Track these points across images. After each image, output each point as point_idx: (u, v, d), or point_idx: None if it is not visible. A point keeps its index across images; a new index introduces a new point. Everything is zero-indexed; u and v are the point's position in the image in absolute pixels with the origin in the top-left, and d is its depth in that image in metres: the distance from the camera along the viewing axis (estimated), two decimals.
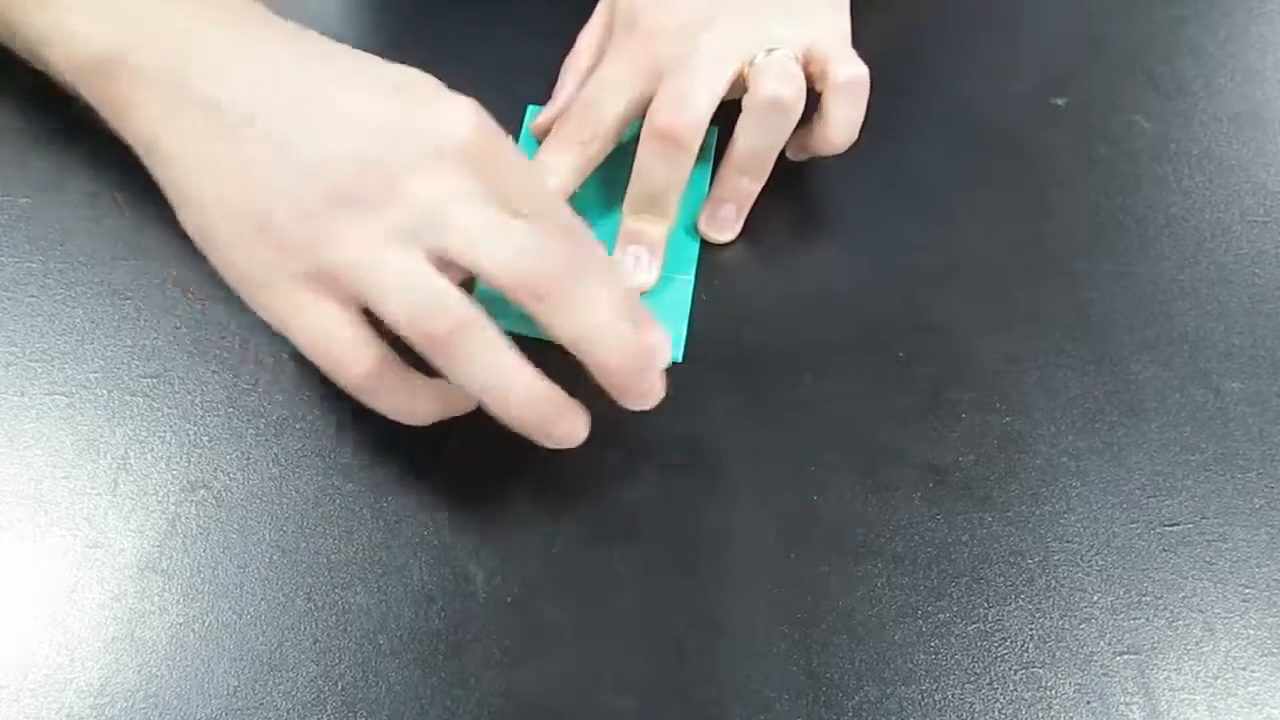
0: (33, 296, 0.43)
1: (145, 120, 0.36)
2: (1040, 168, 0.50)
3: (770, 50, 0.43)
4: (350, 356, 0.35)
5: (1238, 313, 0.46)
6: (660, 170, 0.43)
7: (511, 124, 0.47)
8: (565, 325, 0.35)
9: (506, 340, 0.35)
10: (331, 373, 0.35)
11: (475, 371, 0.35)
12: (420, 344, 0.34)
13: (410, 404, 0.37)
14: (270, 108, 0.35)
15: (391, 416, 0.37)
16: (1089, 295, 0.46)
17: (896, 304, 0.45)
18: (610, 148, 0.44)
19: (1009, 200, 0.48)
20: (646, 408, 0.38)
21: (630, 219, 0.45)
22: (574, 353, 0.36)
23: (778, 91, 0.42)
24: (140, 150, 0.37)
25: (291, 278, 0.34)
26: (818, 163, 0.46)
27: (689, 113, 0.42)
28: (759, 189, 0.45)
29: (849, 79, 0.43)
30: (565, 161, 0.44)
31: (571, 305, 0.35)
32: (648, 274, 0.44)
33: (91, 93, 0.37)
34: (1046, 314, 0.45)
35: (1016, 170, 0.49)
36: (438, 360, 0.34)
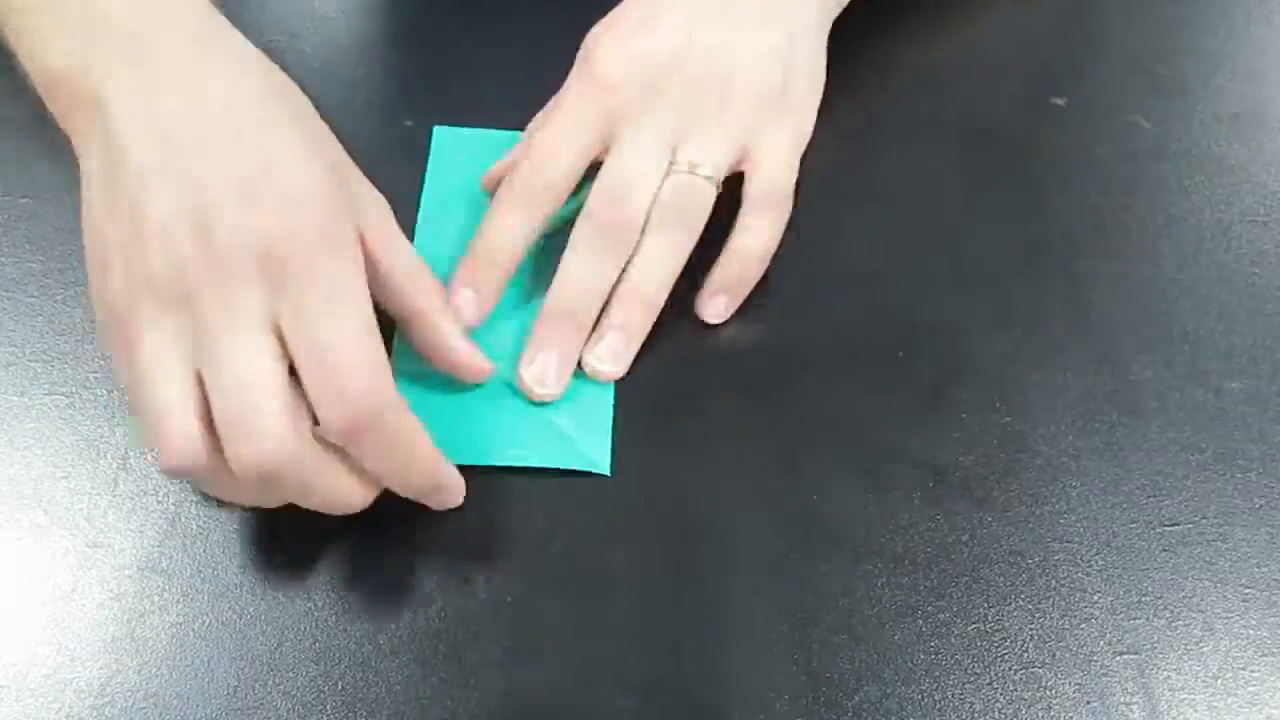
0: (33, 297, 0.43)
1: (76, 137, 0.36)
2: (1040, 168, 0.50)
3: (694, 168, 0.42)
4: (174, 447, 0.34)
5: (1238, 313, 0.46)
6: (592, 262, 0.42)
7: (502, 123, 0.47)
8: (366, 457, 0.35)
9: (333, 460, 0.35)
10: (153, 444, 0.34)
11: (303, 493, 0.35)
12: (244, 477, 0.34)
13: (232, 493, 0.37)
14: (161, 143, 0.34)
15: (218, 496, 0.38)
16: (1089, 295, 0.46)
17: (896, 304, 0.45)
18: (559, 206, 0.43)
19: (1009, 200, 0.48)
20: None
21: (551, 319, 0.42)
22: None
23: (679, 218, 0.42)
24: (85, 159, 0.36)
25: (120, 344, 0.34)
26: (817, 163, 0.46)
27: (627, 207, 0.42)
28: (651, 321, 0.43)
29: (764, 192, 0.44)
30: (514, 224, 0.42)
31: (371, 445, 0.35)
32: (556, 388, 0.42)
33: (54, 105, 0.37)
34: (1046, 314, 0.45)
35: (1016, 170, 0.49)
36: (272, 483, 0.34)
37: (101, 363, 0.41)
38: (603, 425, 0.41)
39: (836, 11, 0.47)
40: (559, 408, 0.42)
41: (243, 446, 0.33)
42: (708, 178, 0.43)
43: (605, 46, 0.43)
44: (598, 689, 0.37)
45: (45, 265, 0.43)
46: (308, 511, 0.37)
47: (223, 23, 0.37)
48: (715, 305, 0.44)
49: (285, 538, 0.39)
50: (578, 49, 0.44)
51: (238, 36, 0.37)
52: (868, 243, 0.46)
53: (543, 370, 0.41)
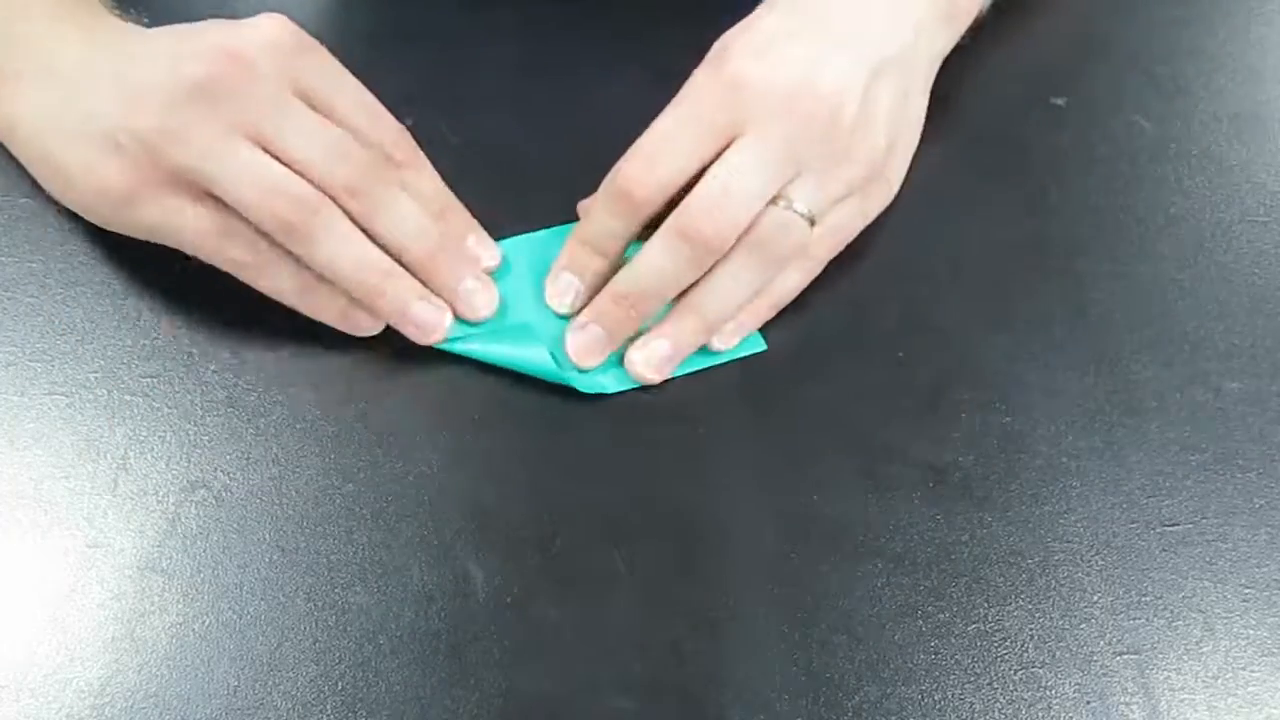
0: (33, 297, 0.43)
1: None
2: (1040, 168, 0.49)
3: (792, 204, 0.41)
4: (229, 241, 0.39)
5: (1238, 313, 0.46)
6: (665, 265, 0.41)
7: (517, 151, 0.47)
8: (376, 223, 0.40)
9: (350, 224, 0.39)
10: (216, 260, 0.40)
11: (336, 255, 0.39)
12: (270, 227, 0.38)
13: (282, 281, 0.40)
14: (101, 59, 0.40)
15: (272, 294, 0.41)
16: (1089, 295, 0.46)
17: (896, 304, 0.45)
18: (659, 209, 0.41)
19: (1009, 200, 0.48)
20: (475, 316, 0.42)
21: (610, 297, 0.42)
22: (390, 249, 0.40)
23: (766, 255, 0.41)
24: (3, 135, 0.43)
25: (157, 188, 0.39)
26: None
27: (723, 222, 0.40)
28: (702, 342, 0.43)
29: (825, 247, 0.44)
30: (611, 228, 0.42)
31: (379, 208, 0.40)
32: (595, 362, 0.42)
33: None
34: (1046, 314, 0.45)
35: (1016, 170, 0.49)
36: (292, 245, 0.39)
37: (102, 362, 0.42)
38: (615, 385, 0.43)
39: (941, 59, 0.48)
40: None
41: (349, 175, 0.39)
42: (808, 221, 0.42)
43: (744, 47, 0.42)
44: (598, 689, 0.37)
45: (45, 265, 0.43)
46: (308, 511, 0.37)
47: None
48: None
49: (286, 538, 0.39)
50: (579, 48, 0.44)
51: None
52: (868, 242, 0.46)
53: (589, 342, 0.42)
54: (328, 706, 0.36)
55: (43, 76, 0.40)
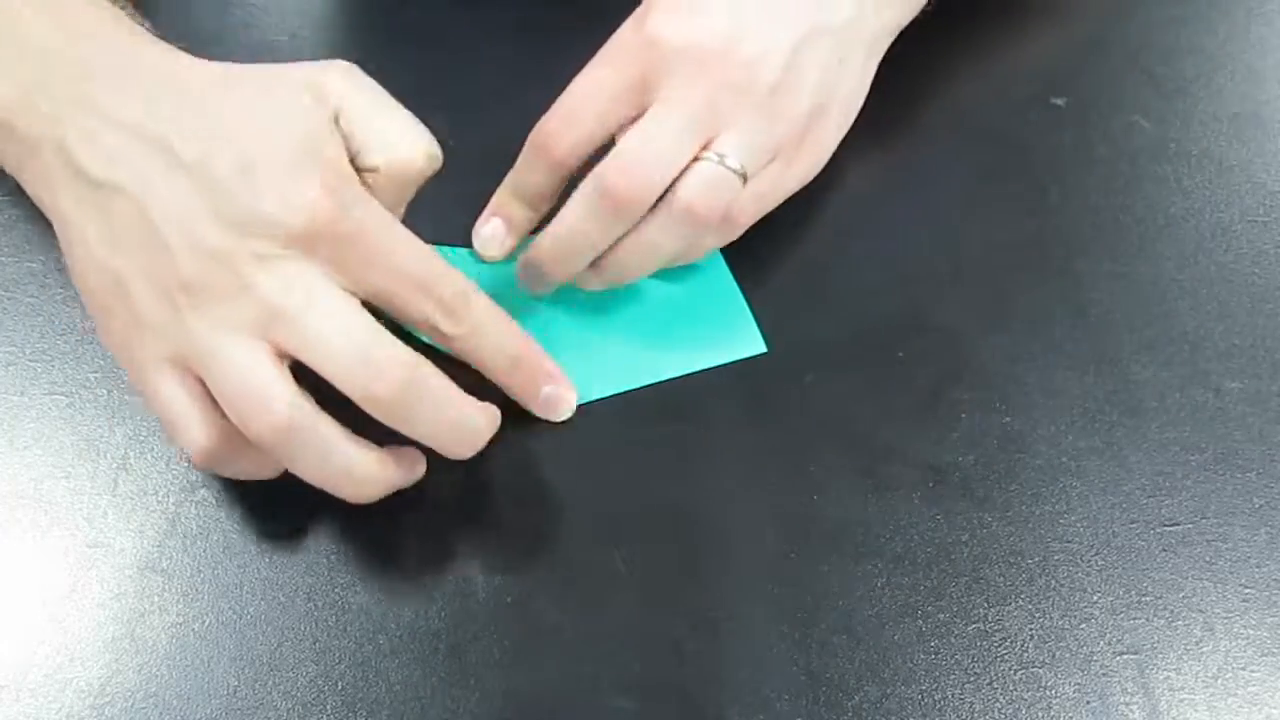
0: (33, 297, 0.43)
1: (35, 184, 0.37)
2: (1040, 168, 0.49)
3: (722, 157, 0.40)
4: (189, 434, 0.35)
5: (1238, 313, 0.46)
6: (587, 226, 0.40)
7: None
8: (405, 428, 0.35)
9: (339, 431, 0.35)
10: (177, 442, 0.36)
11: (309, 465, 0.35)
12: (253, 439, 0.34)
13: (258, 470, 0.37)
14: (134, 181, 0.34)
15: (239, 477, 0.38)
16: (1089, 295, 0.46)
17: (896, 304, 0.45)
18: (579, 164, 0.41)
19: (1009, 200, 0.48)
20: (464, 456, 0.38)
21: (523, 269, 0.42)
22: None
23: (698, 207, 0.40)
24: (49, 211, 0.37)
25: (154, 355, 0.35)
26: None
27: (640, 181, 0.39)
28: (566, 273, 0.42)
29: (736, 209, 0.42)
30: (533, 181, 0.42)
31: (409, 415, 0.35)
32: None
33: None
34: (1046, 314, 0.45)
35: (1016, 170, 0.49)
36: (272, 453, 0.35)
37: (101, 362, 0.41)
38: (738, 307, 0.44)
39: (894, 33, 0.46)
40: (687, 310, 0.44)
41: (374, 384, 0.34)
42: (740, 176, 0.40)
43: (663, 10, 0.41)
44: (598, 689, 0.37)
45: (45, 265, 0.43)
46: (308, 511, 0.37)
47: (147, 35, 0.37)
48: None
49: (285, 538, 0.39)
50: (578, 49, 0.44)
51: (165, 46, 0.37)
52: (868, 242, 0.46)
53: (529, 279, 0.43)
54: (328, 706, 0.36)
55: (74, 172, 0.35)
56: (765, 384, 0.43)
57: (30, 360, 0.41)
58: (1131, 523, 0.41)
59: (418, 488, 0.40)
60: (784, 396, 0.43)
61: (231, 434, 0.35)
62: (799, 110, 0.42)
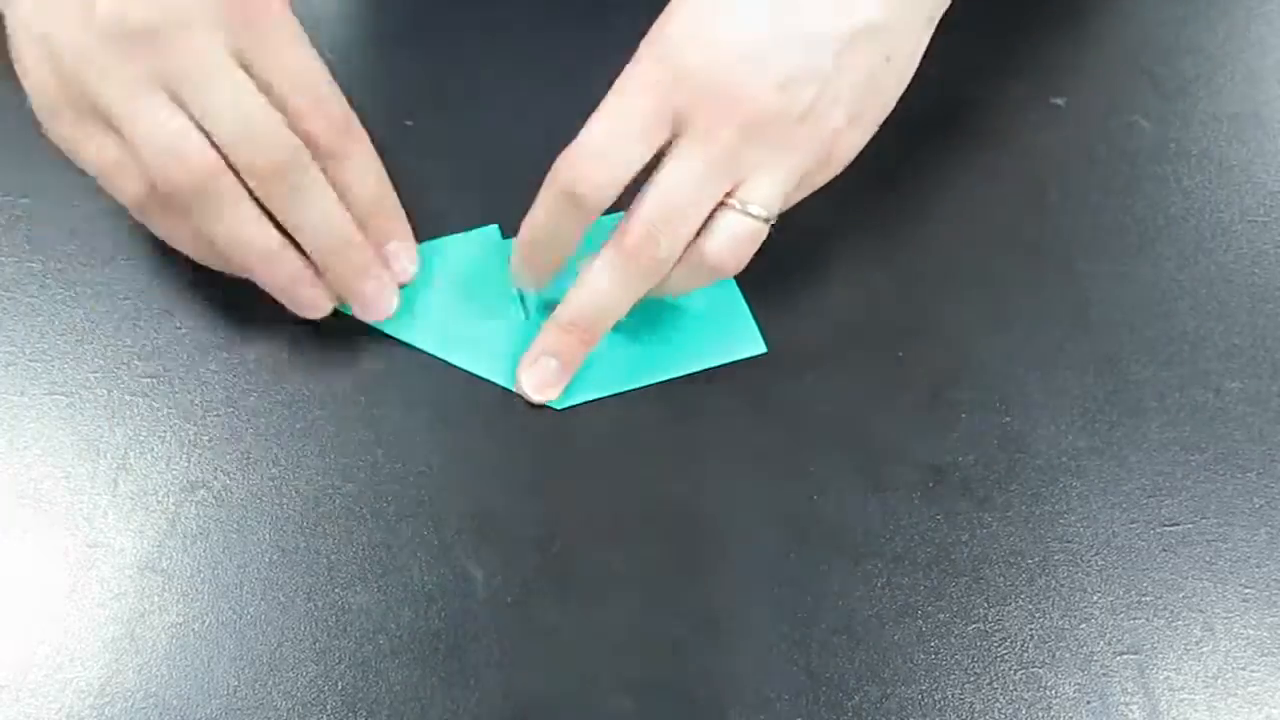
0: (32, 297, 0.43)
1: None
2: (1040, 168, 0.49)
3: (746, 205, 0.38)
4: (120, 181, 0.38)
5: (1238, 313, 0.46)
6: (614, 289, 0.39)
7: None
8: (282, 211, 0.38)
9: (248, 202, 0.38)
10: (114, 195, 0.39)
11: (217, 229, 0.38)
12: (160, 187, 0.37)
13: (191, 241, 0.40)
14: None
15: (169, 242, 0.40)
16: (1089, 295, 0.46)
17: (896, 304, 0.45)
18: (603, 211, 0.39)
19: (1009, 200, 0.48)
20: (371, 317, 0.42)
21: (558, 327, 0.41)
22: (295, 236, 0.39)
23: (725, 261, 0.39)
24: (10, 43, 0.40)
25: (76, 109, 0.38)
26: None
27: (666, 243, 0.38)
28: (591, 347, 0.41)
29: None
30: (555, 229, 0.40)
31: (288, 195, 0.38)
32: (554, 394, 0.42)
33: None
34: (1046, 314, 0.45)
35: (1016, 170, 0.49)
36: (185, 214, 0.38)
37: (101, 362, 0.41)
38: (738, 309, 0.44)
39: (935, 22, 0.43)
40: (687, 310, 0.44)
41: (257, 156, 0.37)
42: (763, 221, 0.39)
43: (681, 23, 0.38)
44: (598, 689, 0.37)
45: (45, 265, 0.43)
46: (308, 511, 0.37)
47: None
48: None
49: (286, 538, 0.39)
50: (580, 48, 0.44)
51: None
52: (868, 242, 0.46)
53: (544, 376, 0.41)
54: (328, 706, 0.36)
55: None
56: (765, 384, 0.43)
57: (30, 360, 0.41)
58: (1131, 523, 0.41)
59: (417, 487, 0.40)
60: (784, 396, 0.43)
61: (153, 190, 0.38)
62: (830, 126, 0.39)
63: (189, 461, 0.40)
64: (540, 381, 0.41)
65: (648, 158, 0.38)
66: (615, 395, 0.42)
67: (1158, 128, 0.51)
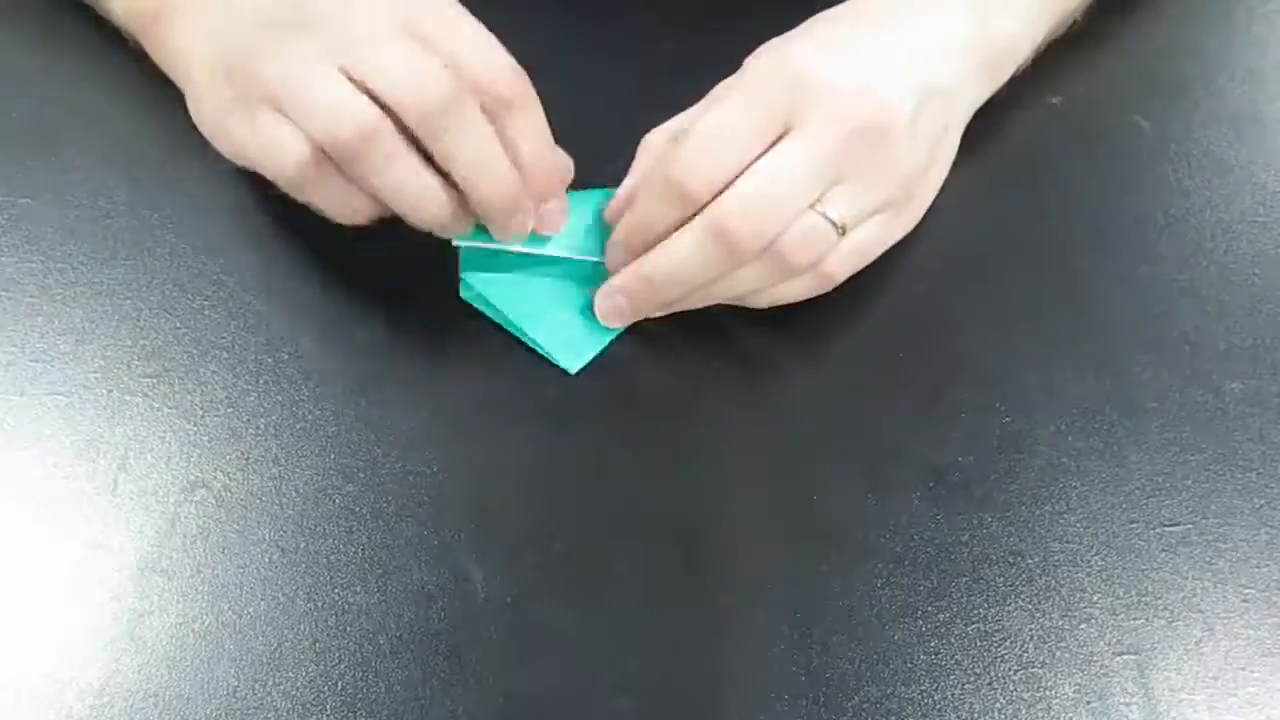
0: (33, 297, 0.43)
1: (172, 36, 0.43)
2: (1040, 168, 0.49)
3: (825, 209, 0.40)
4: (284, 150, 0.39)
5: (1238, 313, 0.46)
6: (693, 264, 0.40)
7: None
8: (442, 152, 0.39)
9: (410, 152, 0.39)
10: (273, 169, 0.40)
11: (385, 179, 0.39)
12: (332, 152, 0.38)
13: (344, 200, 0.40)
14: None
15: (328, 213, 0.41)
16: (1089, 295, 0.46)
17: (896, 304, 0.45)
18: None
19: (1008, 200, 0.48)
20: (516, 244, 0.42)
21: (636, 271, 0.41)
22: (458, 183, 0.39)
23: (791, 254, 0.40)
24: (171, 67, 0.44)
25: (247, 104, 0.39)
26: None
27: (763, 227, 0.39)
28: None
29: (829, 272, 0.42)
30: (663, 215, 0.40)
31: (449, 132, 0.38)
32: (617, 320, 0.43)
33: (138, 26, 0.44)
34: (1046, 314, 0.45)
35: (1016, 170, 0.49)
36: (348, 169, 0.38)
37: (101, 362, 0.42)
38: (600, 341, 0.43)
39: (975, 107, 0.47)
40: (579, 307, 0.44)
41: (420, 94, 0.38)
42: (839, 230, 0.40)
43: (806, 42, 0.41)
44: (598, 689, 0.37)
45: (45, 265, 0.43)
46: (308, 510, 0.37)
47: None
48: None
49: (286, 538, 0.39)
50: (577, 49, 0.44)
51: None
52: None
53: (612, 308, 0.42)
54: (328, 706, 0.36)
55: (193, 7, 0.42)
56: (765, 384, 0.43)
57: (30, 360, 0.41)
58: (1131, 523, 0.41)
59: (417, 487, 0.40)
60: (784, 396, 0.43)
61: (320, 156, 0.38)
62: (916, 161, 0.42)
63: (189, 461, 0.40)
64: (608, 311, 0.43)
65: (757, 153, 0.39)
66: (615, 395, 0.42)
67: (1158, 128, 0.51)
